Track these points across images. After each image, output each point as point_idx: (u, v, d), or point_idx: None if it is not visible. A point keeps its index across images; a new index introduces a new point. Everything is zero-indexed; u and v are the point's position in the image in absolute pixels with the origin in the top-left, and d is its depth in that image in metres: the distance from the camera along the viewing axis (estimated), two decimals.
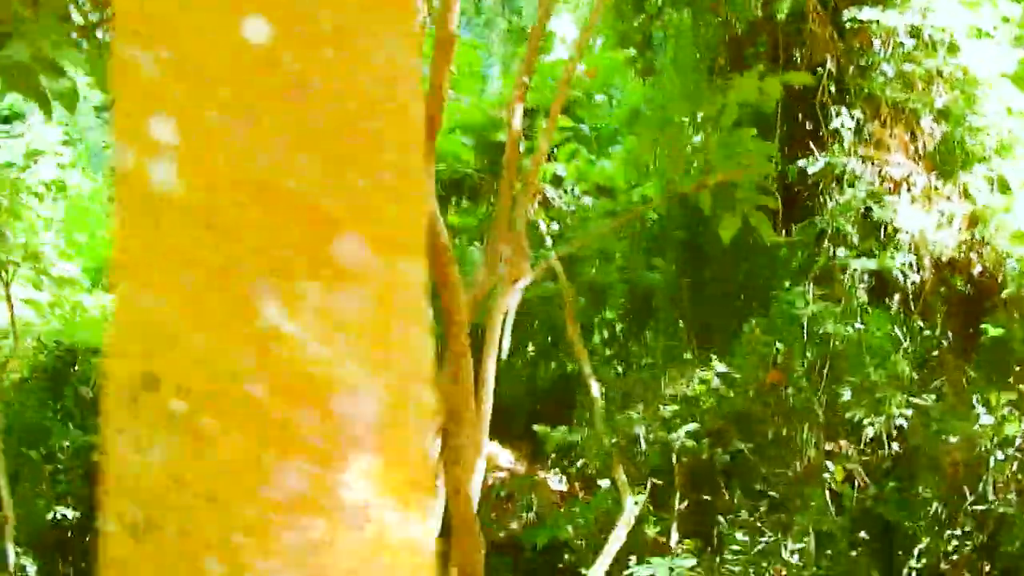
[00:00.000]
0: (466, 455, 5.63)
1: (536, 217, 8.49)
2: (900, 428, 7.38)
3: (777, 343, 7.86)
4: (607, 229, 7.68)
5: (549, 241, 8.23)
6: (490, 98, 9.20)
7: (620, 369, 9.33)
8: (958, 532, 7.37)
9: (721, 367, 7.69)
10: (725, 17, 9.05)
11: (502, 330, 5.61)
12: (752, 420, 7.65)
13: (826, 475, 7.44)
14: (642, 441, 7.64)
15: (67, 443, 8.30)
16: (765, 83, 6.15)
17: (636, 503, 7.74)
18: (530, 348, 10.12)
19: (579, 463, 8.59)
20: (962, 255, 8.30)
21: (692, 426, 7.41)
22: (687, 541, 7.87)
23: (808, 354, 7.72)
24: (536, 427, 8.71)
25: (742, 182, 6.15)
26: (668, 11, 9.32)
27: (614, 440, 7.66)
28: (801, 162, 8.60)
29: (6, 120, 19.84)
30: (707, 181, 5.66)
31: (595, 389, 8.23)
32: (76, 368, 8.63)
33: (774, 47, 9.14)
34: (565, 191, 8.48)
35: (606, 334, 9.86)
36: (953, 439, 7.43)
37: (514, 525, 8.71)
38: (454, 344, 4.59)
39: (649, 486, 7.96)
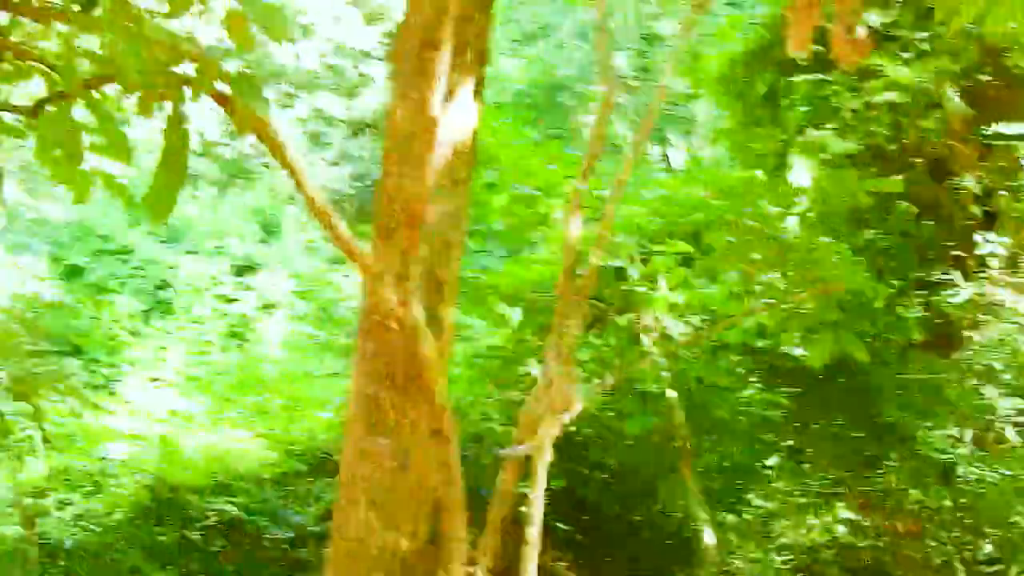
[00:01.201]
0: None
1: (653, 348, 8.08)
2: None
3: (912, 488, 7.14)
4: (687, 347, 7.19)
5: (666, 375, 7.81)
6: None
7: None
8: None
9: (847, 513, 7.03)
10: (871, 135, 8.59)
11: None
12: (882, 574, 6.92)
13: None
14: None
15: None
16: (864, 184, 5.71)
17: None
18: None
19: None
20: None
21: None
22: None
23: (948, 501, 6.97)
24: None
25: (829, 301, 5.67)
26: (810, 130, 8.94)
27: None
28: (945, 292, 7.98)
29: (240, 272, 20.99)
30: (778, 303, 5.17)
31: (708, 536, 7.61)
32: (181, 509, 8.40)
33: (926, 166, 8.63)
34: (686, 322, 8.05)
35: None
36: None
37: None
38: (442, 459, 4.18)
39: None
